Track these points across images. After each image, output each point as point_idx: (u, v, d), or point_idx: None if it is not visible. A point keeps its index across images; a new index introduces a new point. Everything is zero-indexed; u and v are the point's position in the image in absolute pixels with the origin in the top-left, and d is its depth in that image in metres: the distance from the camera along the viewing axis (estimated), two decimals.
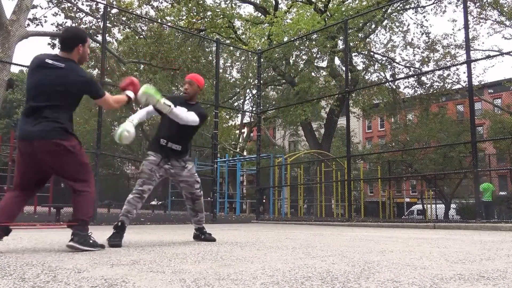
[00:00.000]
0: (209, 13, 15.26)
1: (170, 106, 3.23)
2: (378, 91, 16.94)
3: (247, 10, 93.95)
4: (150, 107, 3.50)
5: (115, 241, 3.13)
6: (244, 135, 33.72)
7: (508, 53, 8.02)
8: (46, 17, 27.03)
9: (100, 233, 4.74)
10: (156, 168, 3.45)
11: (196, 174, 3.72)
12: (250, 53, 15.82)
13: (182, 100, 3.60)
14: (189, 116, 3.39)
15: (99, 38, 11.90)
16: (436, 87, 16.22)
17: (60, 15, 12.63)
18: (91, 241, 2.81)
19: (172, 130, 3.48)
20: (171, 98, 3.59)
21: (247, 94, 24.41)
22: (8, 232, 2.85)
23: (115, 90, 16.15)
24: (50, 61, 2.78)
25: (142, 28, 13.74)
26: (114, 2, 12.81)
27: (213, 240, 3.79)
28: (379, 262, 2.35)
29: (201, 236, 3.83)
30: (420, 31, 16.37)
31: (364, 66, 16.90)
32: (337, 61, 16.64)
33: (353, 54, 15.95)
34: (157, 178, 3.49)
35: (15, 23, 8.47)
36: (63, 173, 2.85)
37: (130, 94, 3.16)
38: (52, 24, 13.04)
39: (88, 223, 2.85)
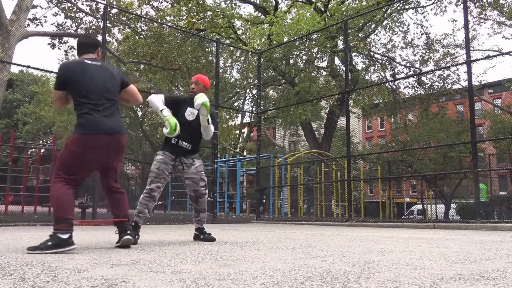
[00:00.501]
0: (209, 13, 15.26)
1: (209, 124, 3.58)
2: (378, 91, 16.93)
3: (247, 10, 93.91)
4: (162, 98, 3.66)
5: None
6: (244, 135, 33.72)
7: (508, 53, 8.02)
8: (46, 17, 26.99)
9: (101, 233, 4.74)
10: (164, 166, 3.59)
11: (203, 172, 3.78)
12: (250, 53, 15.82)
13: (189, 99, 3.71)
14: (212, 132, 3.70)
15: (99, 38, 11.90)
16: (436, 87, 16.22)
17: (60, 15, 12.63)
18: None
19: (183, 129, 3.58)
20: (181, 98, 3.82)
21: (247, 94, 24.41)
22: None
23: None
24: (88, 62, 2.95)
25: (142, 28, 13.73)
26: (114, 2, 12.81)
27: (213, 240, 3.79)
28: (379, 262, 2.35)
29: (200, 236, 3.85)
30: (420, 31, 16.37)
31: (364, 66, 16.90)
32: (337, 61, 16.64)
33: (353, 54, 15.95)
34: (166, 176, 3.62)
35: (15, 23, 8.47)
36: (116, 169, 3.05)
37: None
38: (52, 24, 13.05)
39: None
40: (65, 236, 2.61)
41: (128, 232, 2.94)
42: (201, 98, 3.48)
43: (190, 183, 3.73)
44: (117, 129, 2.91)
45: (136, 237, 3.27)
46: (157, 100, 3.60)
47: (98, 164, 2.95)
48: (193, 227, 3.96)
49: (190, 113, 3.70)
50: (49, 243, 2.57)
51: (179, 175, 3.77)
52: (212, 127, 3.66)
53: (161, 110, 3.52)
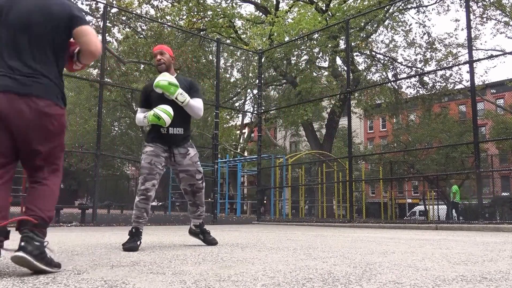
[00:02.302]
0: (209, 12, 15.25)
1: (185, 99, 3.13)
2: (380, 91, 16.91)
3: (248, 9, 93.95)
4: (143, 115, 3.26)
5: (128, 244, 2.94)
6: (245, 135, 33.72)
7: (511, 53, 7.99)
8: None
9: (101, 234, 4.73)
10: (156, 159, 3.14)
11: (198, 162, 3.36)
12: (251, 53, 15.81)
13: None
14: (200, 106, 3.24)
15: (99, 38, 11.90)
16: (439, 87, 16.19)
17: None
18: (48, 256, 1.89)
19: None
20: (148, 84, 3.36)
21: (247, 94, 24.42)
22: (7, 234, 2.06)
23: (115, 90, 16.21)
24: None
25: (142, 27, 13.74)
26: (114, 2, 12.82)
27: (214, 244, 3.42)
28: (380, 263, 2.33)
29: (200, 236, 3.47)
30: (422, 31, 16.34)
31: (366, 66, 16.88)
32: (338, 61, 16.63)
33: (355, 54, 15.93)
34: (159, 170, 3.16)
35: None
36: (38, 153, 2.05)
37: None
38: None
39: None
40: None
41: (23, 244, 1.83)
42: (155, 84, 3.09)
43: (186, 176, 3.28)
44: (29, 88, 1.92)
45: (138, 242, 3.00)
46: (138, 115, 3.28)
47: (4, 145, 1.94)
48: (194, 219, 3.46)
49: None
50: None
51: (172, 168, 3.32)
52: (194, 102, 3.19)
53: (144, 118, 3.17)
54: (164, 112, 3.07)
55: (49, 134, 2.00)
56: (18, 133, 1.93)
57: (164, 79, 3.09)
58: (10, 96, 1.90)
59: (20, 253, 1.79)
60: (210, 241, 3.44)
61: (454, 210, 16.03)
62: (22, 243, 1.83)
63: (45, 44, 2.04)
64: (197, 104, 3.23)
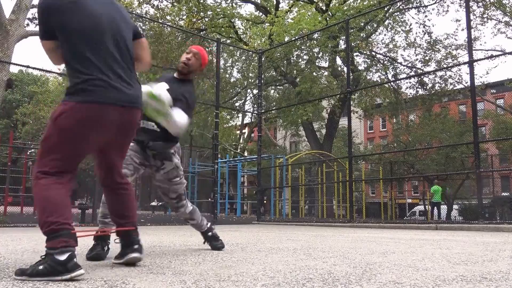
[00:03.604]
0: (209, 12, 15.25)
1: (170, 121, 2.53)
2: (380, 91, 16.91)
3: (248, 9, 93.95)
4: None
5: (91, 252, 2.49)
6: (245, 135, 33.72)
7: (511, 53, 7.99)
8: None
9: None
10: (133, 153, 2.68)
11: (177, 179, 2.83)
12: (251, 53, 15.81)
13: (172, 77, 2.89)
14: (182, 121, 2.61)
15: None
16: (438, 87, 16.20)
17: None
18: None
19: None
20: (161, 78, 2.93)
21: (248, 94, 24.40)
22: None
23: None
24: None
25: (142, 27, 13.72)
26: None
27: (221, 248, 3.06)
28: (381, 263, 2.33)
29: (205, 243, 3.13)
30: (422, 31, 16.32)
31: (366, 66, 16.88)
32: (338, 61, 16.62)
33: (355, 54, 15.93)
34: (135, 164, 2.68)
35: (15, 22, 8.46)
36: (123, 157, 2.21)
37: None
38: None
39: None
40: (62, 258, 1.70)
41: (136, 247, 2.13)
42: (151, 88, 2.40)
43: (160, 192, 2.92)
44: (134, 99, 2.01)
45: (106, 248, 2.53)
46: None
47: (100, 149, 2.05)
48: (193, 228, 3.49)
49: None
50: (40, 267, 1.72)
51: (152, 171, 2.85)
52: (175, 118, 2.53)
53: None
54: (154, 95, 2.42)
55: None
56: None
57: (156, 92, 2.40)
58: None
59: (138, 255, 2.16)
60: (215, 247, 3.08)
61: (436, 210, 16.60)
62: (136, 246, 2.16)
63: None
64: (176, 121, 2.54)
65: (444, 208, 19.44)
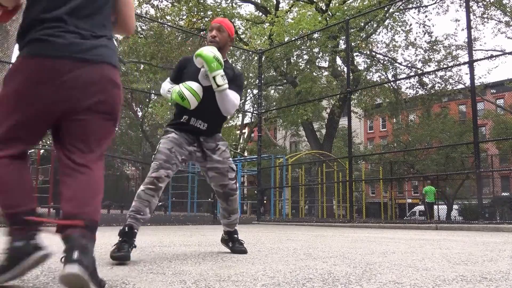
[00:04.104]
0: (209, 12, 15.26)
1: (224, 84, 2.50)
2: (380, 91, 16.91)
3: (248, 9, 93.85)
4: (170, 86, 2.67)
5: (120, 253, 2.25)
6: (245, 135, 33.73)
7: (511, 53, 7.99)
8: None
9: (100, 234, 4.73)
10: (178, 149, 2.58)
11: (231, 159, 2.81)
12: (251, 53, 15.81)
13: None
14: (236, 101, 2.62)
15: None
16: (438, 87, 16.21)
17: None
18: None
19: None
20: (187, 57, 2.80)
21: (248, 94, 24.43)
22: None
23: None
24: None
25: (142, 27, 13.74)
26: None
27: (243, 252, 2.81)
28: (381, 263, 2.33)
29: (229, 243, 2.92)
30: (422, 31, 16.32)
31: (366, 66, 16.89)
32: (338, 61, 16.62)
33: (355, 54, 15.94)
34: (178, 162, 2.58)
35: (15, 22, 8.45)
36: (92, 131, 1.63)
37: None
38: None
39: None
40: (20, 243, 1.42)
41: (75, 256, 1.32)
42: (201, 50, 2.48)
43: (215, 175, 2.72)
44: (98, 53, 1.53)
45: (130, 248, 2.34)
46: (165, 84, 2.75)
47: (57, 118, 1.52)
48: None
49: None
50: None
51: (198, 164, 2.78)
52: (230, 94, 2.55)
53: (168, 92, 2.65)
54: (190, 90, 2.49)
55: None
56: None
57: (211, 50, 2.48)
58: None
59: (76, 268, 1.30)
60: (237, 250, 2.84)
61: (429, 209, 17.24)
62: (75, 256, 1.34)
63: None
64: (232, 96, 2.57)
65: (443, 208, 19.46)
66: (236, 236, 2.91)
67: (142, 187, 2.49)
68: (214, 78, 2.46)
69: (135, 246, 2.41)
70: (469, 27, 7.32)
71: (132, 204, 2.47)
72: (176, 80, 2.68)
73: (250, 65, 18.07)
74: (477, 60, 7.98)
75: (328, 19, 14.27)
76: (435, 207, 18.47)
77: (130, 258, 2.28)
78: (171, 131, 2.63)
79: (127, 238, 2.37)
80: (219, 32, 2.68)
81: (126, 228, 2.41)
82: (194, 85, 2.53)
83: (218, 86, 2.48)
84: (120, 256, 2.24)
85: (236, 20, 17.04)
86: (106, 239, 3.90)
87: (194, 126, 2.63)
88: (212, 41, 2.65)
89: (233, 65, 3.49)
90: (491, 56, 12.06)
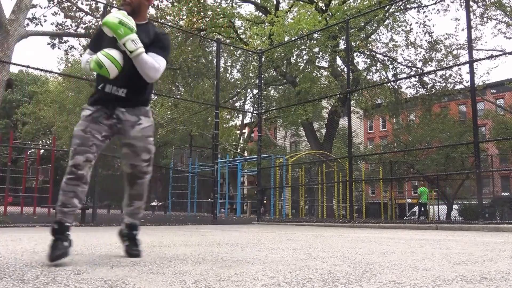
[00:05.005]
0: (209, 12, 15.26)
1: (136, 48, 2.27)
2: (380, 91, 16.91)
3: (248, 9, 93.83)
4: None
5: (57, 252, 2.11)
6: (245, 135, 33.72)
7: (511, 53, 7.99)
8: (45, 16, 26.95)
9: (101, 234, 4.73)
10: (94, 126, 2.33)
11: (151, 139, 2.51)
12: (251, 53, 15.81)
13: None
14: (157, 65, 2.36)
15: None
16: (438, 87, 16.20)
17: (59, 14, 12.62)
18: None
19: None
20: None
21: (247, 94, 24.44)
22: None
23: None
24: None
25: None
26: (114, 2, 12.81)
27: (137, 256, 2.50)
28: (381, 263, 2.33)
29: (125, 240, 2.59)
30: (423, 30, 16.33)
31: (366, 66, 16.89)
32: (338, 61, 16.62)
33: (355, 54, 15.93)
34: (97, 141, 2.33)
35: (14, 22, 8.46)
36: None
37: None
38: (51, 24, 13.09)
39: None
40: None
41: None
42: (106, 17, 2.27)
43: (128, 152, 2.46)
44: None
45: (66, 244, 2.18)
46: (84, 56, 2.51)
47: None
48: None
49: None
50: None
51: (118, 137, 2.49)
52: (148, 57, 2.33)
53: (86, 63, 2.41)
54: (109, 57, 2.28)
55: None
56: None
57: (116, 16, 2.27)
58: None
59: None
60: (131, 253, 2.52)
61: (422, 210, 17.79)
62: None
63: None
64: (151, 60, 2.34)
65: (443, 208, 19.48)
66: (135, 233, 2.59)
67: (64, 178, 2.29)
68: (124, 44, 2.26)
69: (71, 240, 2.25)
70: (469, 27, 7.32)
71: (59, 198, 2.29)
72: (96, 49, 2.42)
73: (250, 65, 18.07)
74: (477, 60, 7.99)
75: (328, 19, 14.26)
76: (434, 207, 18.53)
77: (69, 254, 2.18)
78: (86, 108, 2.41)
79: (60, 235, 2.21)
80: None
81: (56, 225, 2.24)
82: (113, 52, 2.32)
83: (131, 52, 2.27)
84: (58, 255, 2.11)
85: (236, 20, 17.05)
86: (106, 239, 3.90)
87: (110, 93, 2.39)
88: (124, 4, 2.44)
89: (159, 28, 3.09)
90: (491, 56, 12.06)
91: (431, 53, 15.58)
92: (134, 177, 2.50)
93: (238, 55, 18.43)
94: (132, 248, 2.53)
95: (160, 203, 24.48)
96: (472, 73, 7.10)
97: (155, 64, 2.35)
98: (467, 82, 14.13)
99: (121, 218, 2.67)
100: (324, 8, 15.55)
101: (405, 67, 16.43)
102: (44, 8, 16.25)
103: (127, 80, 2.39)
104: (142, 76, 2.38)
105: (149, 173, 2.53)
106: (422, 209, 17.91)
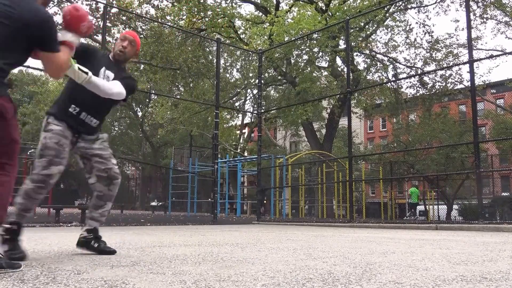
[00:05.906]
0: (209, 12, 15.26)
1: (87, 74, 2.42)
2: (380, 91, 16.91)
3: (248, 9, 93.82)
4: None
5: (19, 254, 2.23)
6: (245, 135, 33.72)
7: (511, 53, 7.98)
8: None
9: (101, 234, 4.73)
10: (64, 141, 2.51)
11: (110, 150, 2.85)
12: (251, 53, 15.81)
13: (108, 60, 2.79)
14: (113, 88, 2.58)
15: (99, 37, 11.92)
16: (439, 87, 16.20)
17: (59, 14, 12.64)
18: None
19: (87, 97, 2.55)
20: (99, 52, 2.86)
21: (247, 94, 24.43)
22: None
23: None
24: None
25: (142, 27, 13.74)
26: (114, 2, 12.82)
27: (112, 253, 2.69)
28: (380, 263, 2.33)
29: (94, 243, 2.70)
30: (423, 30, 16.33)
31: (366, 66, 16.89)
32: (338, 61, 16.62)
33: (355, 54, 15.93)
34: (67, 154, 2.54)
35: None
36: None
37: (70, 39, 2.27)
38: None
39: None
40: None
41: None
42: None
43: (100, 160, 2.70)
44: None
45: (20, 243, 2.30)
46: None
47: None
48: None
49: (104, 76, 2.66)
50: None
51: (80, 154, 2.72)
52: (99, 80, 2.52)
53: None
54: (82, 68, 2.43)
55: None
56: None
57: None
58: None
59: None
60: (105, 250, 2.68)
61: (412, 210, 18.05)
62: None
63: None
64: (102, 82, 2.54)
65: (443, 208, 19.49)
66: (99, 235, 2.75)
67: (31, 185, 2.40)
68: (74, 75, 2.40)
69: (19, 247, 2.30)
70: (469, 27, 7.32)
71: (18, 199, 2.39)
72: (80, 56, 2.51)
73: (250, 65, 18.07)
74: (477, 60, 7.99)
75: (328, 19, 14.26)
76: (434, 207, 18.55)
77: (25, 258, 2.26)
78: (54, 123, 2.53)
79: (16, 236, 2.31)
80: (131, 46, 2.82)
81: (15, 226, 2.32)
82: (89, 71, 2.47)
83: (80, 79, 2.41)
84: (21, 257, 2.21)
85: (236, 20, 17.05)
86: (105, 239, 3.89)
87: (83, 120, 2.62)
88: (122, 51, 2.78)
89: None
90: (491, 56, 12.07)
91: (431, 52, 15.58)
92: (111, 178, 2.75)
93: (238, 55, 18.43)
94: (107, 247, 2.72)
95: (160, 203, 24.49)
96: (472, 73, 7.10)
97: (104, 84, 2.56)
98: (467, 82, 14.13)
99: (85, 223, 2.80)
100: (324, 8, 15.54)
101: (405, 66, 16.44)
102: None
103: (101, 114, 2.74)
104: (107, 109, 2.78)
105: (120, 174, 2.81)
106: (412, 210, 18.07)
